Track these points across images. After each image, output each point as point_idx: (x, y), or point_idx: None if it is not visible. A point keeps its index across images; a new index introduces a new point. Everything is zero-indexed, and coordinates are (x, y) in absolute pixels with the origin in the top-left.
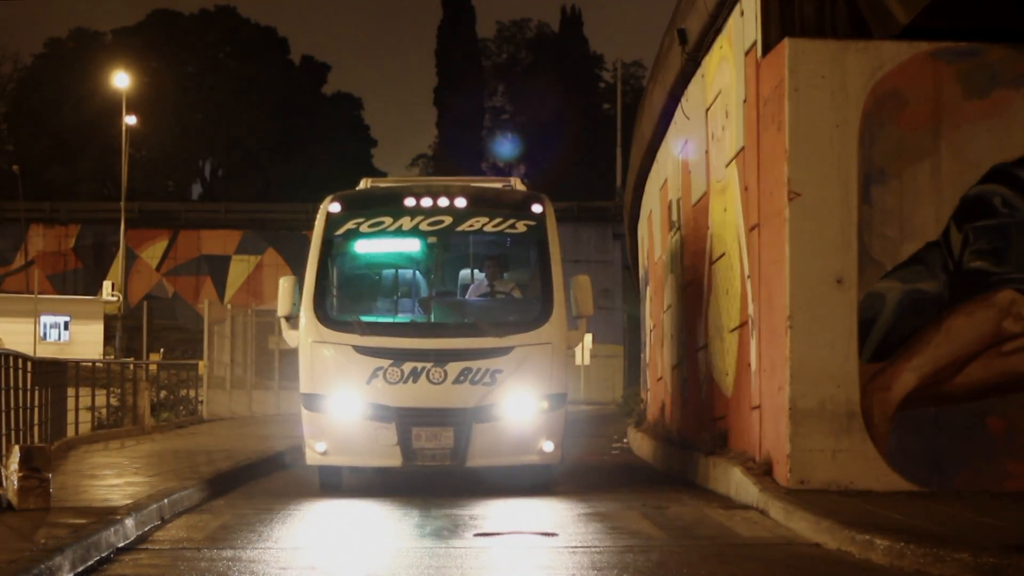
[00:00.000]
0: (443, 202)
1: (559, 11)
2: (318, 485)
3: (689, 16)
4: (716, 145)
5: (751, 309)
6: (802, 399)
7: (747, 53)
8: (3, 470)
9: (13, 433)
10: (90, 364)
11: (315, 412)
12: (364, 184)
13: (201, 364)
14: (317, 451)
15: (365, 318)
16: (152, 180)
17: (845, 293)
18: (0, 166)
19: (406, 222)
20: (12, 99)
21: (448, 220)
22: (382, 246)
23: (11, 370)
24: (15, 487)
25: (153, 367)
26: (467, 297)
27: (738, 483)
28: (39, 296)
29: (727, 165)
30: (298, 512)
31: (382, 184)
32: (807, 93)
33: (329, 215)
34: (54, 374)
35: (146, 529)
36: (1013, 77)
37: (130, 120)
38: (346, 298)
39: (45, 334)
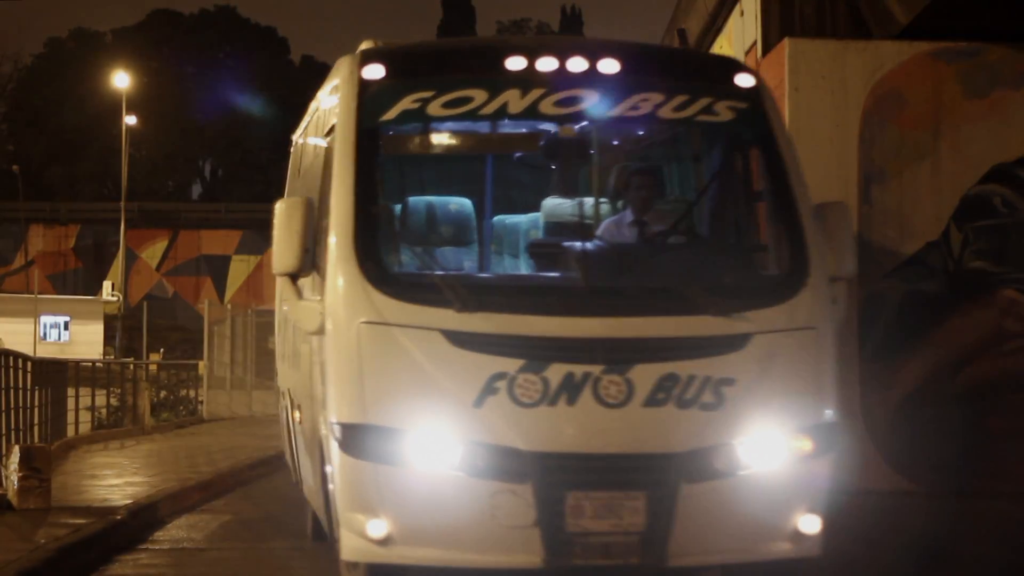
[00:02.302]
0: (577, 65)
1: (559, 11)
2: None
3: (689, 16)
4: None
5: None
6: None
7: (747, 53)
8: (3, 470)
9: (13, 433)
10: (90, 364)
11: (367, 460)
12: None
13: (201, 364)
14: (370, 535)
15: (456, 277)
16: (152, 180)
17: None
18: (0, 166)
19: (513, 100)
20: (12, 99)
21: (589, 98)
22: (471, 144)
23: (11, 370)
24: (15, 487)
25: (153, 367)
26: (598, 240)
27: None
28: (39, 296)
29: None
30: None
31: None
32: (807, 93)
33: (365, 86)
34: (54, 374)
35: (146, 529)
36: (1013, 77)
37: (130, 120)
38: (413, 241)
39: (45, 334)
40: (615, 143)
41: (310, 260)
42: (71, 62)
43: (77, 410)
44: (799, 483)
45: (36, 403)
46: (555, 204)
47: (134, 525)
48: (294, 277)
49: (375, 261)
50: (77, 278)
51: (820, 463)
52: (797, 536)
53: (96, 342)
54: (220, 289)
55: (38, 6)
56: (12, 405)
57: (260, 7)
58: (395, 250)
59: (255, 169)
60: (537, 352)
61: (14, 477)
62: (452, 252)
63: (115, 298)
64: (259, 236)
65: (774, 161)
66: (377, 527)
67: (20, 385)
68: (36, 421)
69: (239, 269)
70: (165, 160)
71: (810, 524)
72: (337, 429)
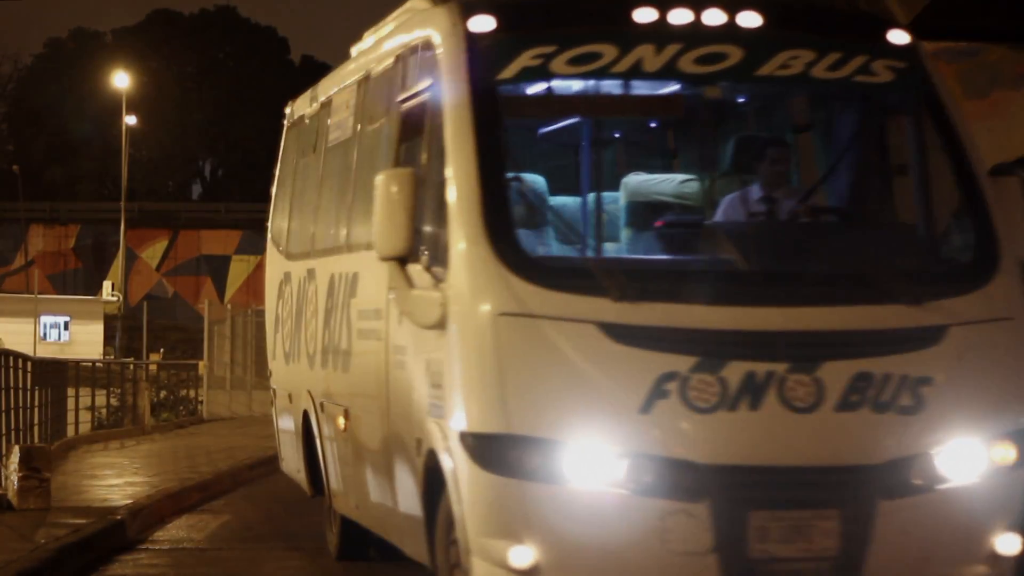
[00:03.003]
0: (714, 17)
1: None
2: None
3: None
4: None
5: None
6: None
7: None
8: (3, 470)
9: (13, 433)
10: (90, 364)
11: (509, 477)
12: None
13: (201, 364)
14: (512, 565)
15: (611, 260)
16: (152, 180)
17: None
18: (0, 166)
19: (648, 57)
20: (12, 99)
21: (733, 55)
22: (600, 107)
23: (11, 370)
24: (15, 487)
25: (153, 367)
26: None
27: None
28: (39, 296)
29: None
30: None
31: None
32: None
33: (474, 39)
34: (54, 374)
35: (146, 529)
36: (1013, 77)
37: (130, 120)
38: (543, 220)
39: (45, 334)
40: (758, 107)
41: (418, 241)
42: (71, 62)
43: (77, 410)
44: (1000, 497)
45: (36, 403)
46: (642, 180)
47: (134, 525)
48: (402, 261)
49: (510, 242)
50: (77, 278)
51: (1020, 473)
52: (994, 558)
53: (96, 342)
54: (220, 289)
55: (38, 6)
56: (12, 405)
57: (260, 7)
58: (531, 229)
59: (255, 169)
60: (712, 348)
61: (14, 477)
62: (586, 231)
63: (115, 298)
64: (259, 236)
65: (946, 130)
66: (522, 555)
67: (20, 385)
68: (36, 421)
69: (239, 269)
70: (165, 160)
71: (1009, 544)
72: (469, 440)
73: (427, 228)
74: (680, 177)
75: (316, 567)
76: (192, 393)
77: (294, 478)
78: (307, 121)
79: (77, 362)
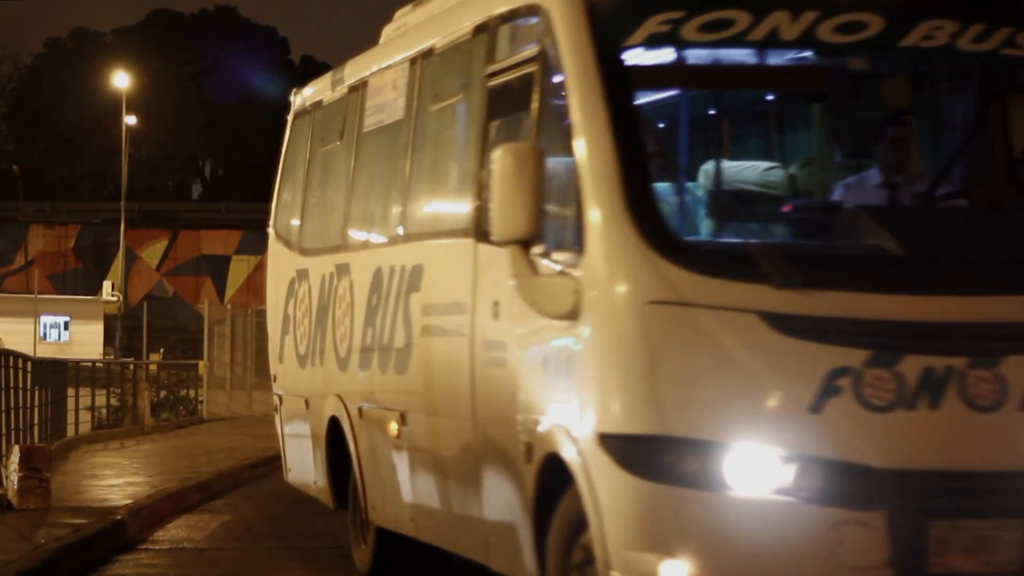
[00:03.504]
0: None
1: None
2: None
3: None
4: None
5: None
6: None
7: None
8: (3, 470)
9: (13, 433)
10: (90, 364)
11: (663, 483)
12: None
13: (201, 364)
14: None
15: (770, 244)
16: (152, 180)
17: None
18: (0, 166)
19: (784, 24)
20: (12, 99)
21: (873, 23)
22: (734, 78)
23: (11, 370)
24: (15, 487)
25: (153, 367)
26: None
27: None
28: (39, 296)
29: None
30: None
31: None
32: None
33: (593, 4)
34: (54, 374)
35: (146, 529)
36: None
37: (130, 120)
38: (688, 196)
39: (45, 334)
40: (898, 80)
41: (544, 223)
42: (71, 62)
43: (77, 410)
44: None
45: (36, 403)
46: (726, 168)
47: (134, 525)
48: (526, 245)
49: (656, 223)
50: (77, 278)
51: None
52: None
53: (96, 342)
54: (220, 289)
55: (38, 6)
56: (12, 405)
57: (260, 7)
58: (676, 209)
59: (255, 169)
60: (887, 341)
61: (14, 477)
62: (737, 207)
63: (115, 298)
64: (259, 236)
65: None
66: (675, 570)
67: (20, 385)
68: (36, 421)
69: (239, 269)
70: (165, 160)
71: None
72: (613, 443)
73: (548, 209)
74: (763, 165)
75: (316, 567)
76: (192, 393)
77: (305, 490)
78: (327, 108)
79: (77, 362)
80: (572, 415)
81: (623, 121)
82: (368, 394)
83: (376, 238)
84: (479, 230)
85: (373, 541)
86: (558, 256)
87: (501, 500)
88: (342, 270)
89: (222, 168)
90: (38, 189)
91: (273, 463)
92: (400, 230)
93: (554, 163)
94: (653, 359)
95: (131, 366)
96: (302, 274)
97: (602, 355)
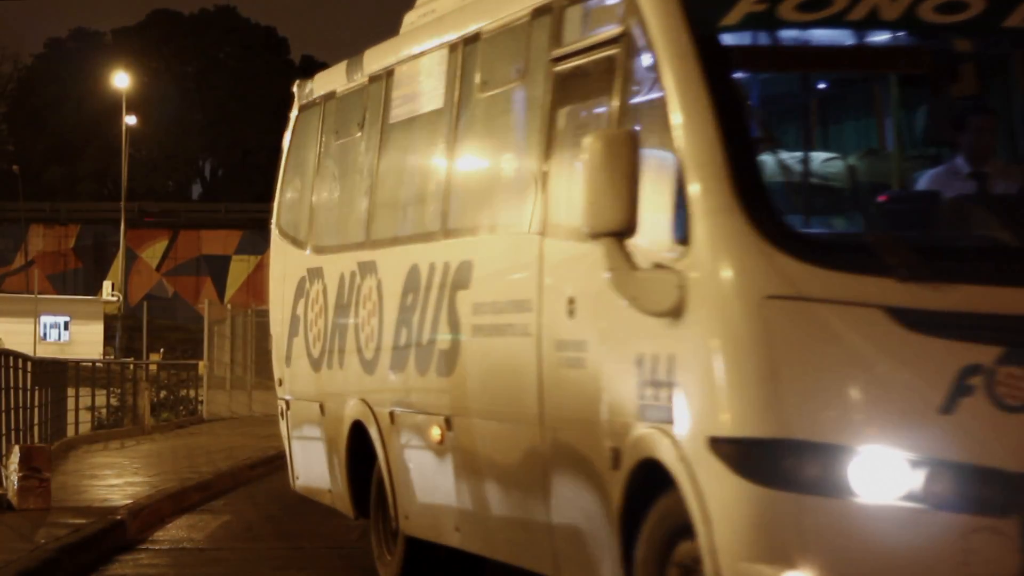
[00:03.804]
0: None
1: None
2: None
3: None
4: None
5: None
6: None
7: None
8: (3, 470)
9: (13, 433)
10: (90, 364)
11: (784, 490)
12: None
13: (201, 364)
14: None
15: (892, 235)
16: (152, 180)
17: None
18: (0, 166)
19: (884, 3)
20: (12, 99)
21: (974, 4)
22: (832, 61)
23: (11, 370)
24: (15, 487)
25: (153, 367)
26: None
27: None
28: (39, 296)
29: None
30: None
31: None
32: None
33: None
34: (54, 374)
35: (146, 529)
36: None
37: (130, 120)
38: (794, 183)
39: (45, 334)
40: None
41: (631, 218)
42: (71, 62)
43: (77, 410)
44: None
45: (36, 403)
46: (832, 158)
47: (134, 525)
48: (620, 236)
49: (769, 212)
50: (77, 278)
51: None
52: None
53: (96, 342)
54: (220, 289)
55: (38, 6)
56: (12, 405)
57: (260, 7)
58: (789, 197)
59: (255, 169)
60: (1020, 336)
61: (14, 477)
62: (833, 193)
63: (115, 298)
64: (259, 236)
65: None
66: None
67: (20, 385)
68: (36, 421)
69: (239, 269)
70: (165, 160)
71: None
72: (726, 448)
73: (642, 199)
74: (822, 156)
75: (316, 567)
76: (192, 393)
77: (317, 497)
78: (342, 99)
79: (77, 362)
80: (674, 418)
81: (727, 105)
82: (402, 397)
83: (410, 234)
84: (545, 224)
85: (402, 552)
86: (657, 249)
87: (576, 508)
88: (366, 268)
89: (222, 168)
90: (38, 189)
91: (273, 463)
92: (440, 225)
93: (646, 151)
94: (772, 357)
95: (131, 366)
96: (314, 273)
97: (713, 353)
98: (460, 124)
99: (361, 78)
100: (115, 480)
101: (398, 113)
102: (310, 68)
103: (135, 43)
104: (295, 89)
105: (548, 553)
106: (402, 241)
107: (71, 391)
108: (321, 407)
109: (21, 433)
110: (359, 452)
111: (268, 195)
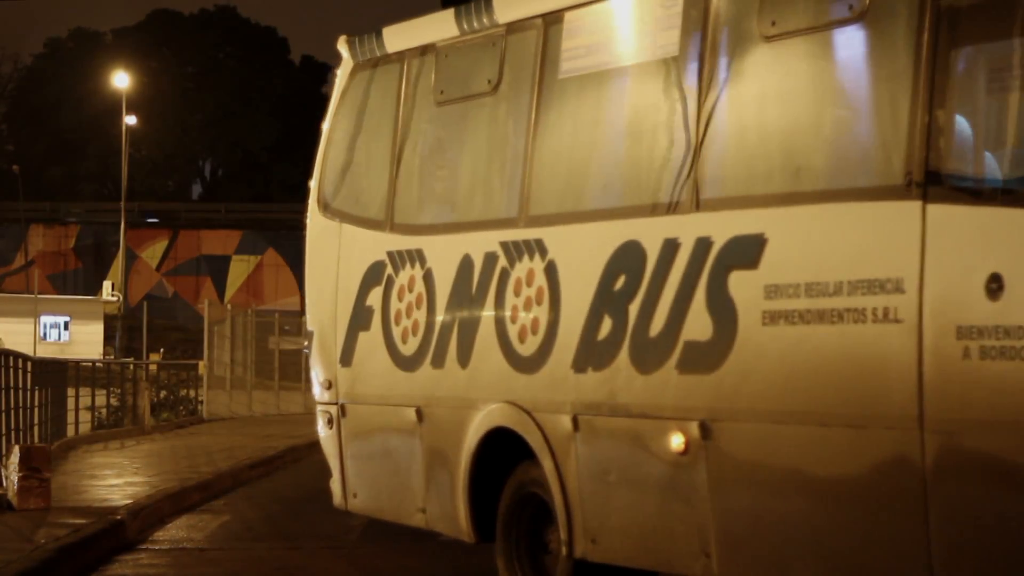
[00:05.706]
0: None
1: None
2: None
3: None
4: None
5: None
6: None
7: None
8: (3, 470)
9: (13, 433)
10: (90, 364)
11: None
12: None
13: (201, 364)
14: None
15: None
16: (152, 180)
17: None
18: (0, 166)
19: None
20: (12, 99)
21: None
22: None
23: (11, 370)
24: (15, 487)
25: (153, 367)
26: None
27: None
28: (39, 296)
29: None
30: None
31: None
32: None
33: None
34: (54, 374)
35: (146, 529)
36: None
37: (130, 120)
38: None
39: (45, 334)
40: None
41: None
42: (71, 62)
43: (77, 410)
44: None
45: (36, 403)
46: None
47: (134, 525)
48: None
49: None
50: (77, 278)
51: None
52: None
53: (96, 342)
54: (220, 289)
55: (38, 6)
56: (12, 405)
57: (260, 7)
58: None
59: (255, 169)
60: None
61: (14, 477)
62: None
63: (115, 298)
64: (259, 236)
65: None
66: None
67: (20, 385)
68: (36, 421)
69: (239, 269)
70: (165, 160)
71: None
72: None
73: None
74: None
75: (316, 567)
76: (192, 393)
77: (396, 520)
78: (447, 51)
79: (77, 362)
80: None
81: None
82: (601, 400)
83: (621, 206)
84: (930, 187)
85: None
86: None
87: (983, 529)
88: (521, 249)
89: (222, 168)
90: (38, 189)
91: (273, 463)
92: (690, 195)
93: None
94: None
95: (131, 366)
96: (403, 256)
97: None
98: (714, 73)
99: (488, 28)
100: (115, 480)
101: (574, 67)
102: (310, 68)
103: (135, 43)
104: (342, 47)
105: None
106: (602, 216)
107: (71, 391)
108: (419, 412)
109: (21, 433)
110: (489, 466)
111: (267, 195)
